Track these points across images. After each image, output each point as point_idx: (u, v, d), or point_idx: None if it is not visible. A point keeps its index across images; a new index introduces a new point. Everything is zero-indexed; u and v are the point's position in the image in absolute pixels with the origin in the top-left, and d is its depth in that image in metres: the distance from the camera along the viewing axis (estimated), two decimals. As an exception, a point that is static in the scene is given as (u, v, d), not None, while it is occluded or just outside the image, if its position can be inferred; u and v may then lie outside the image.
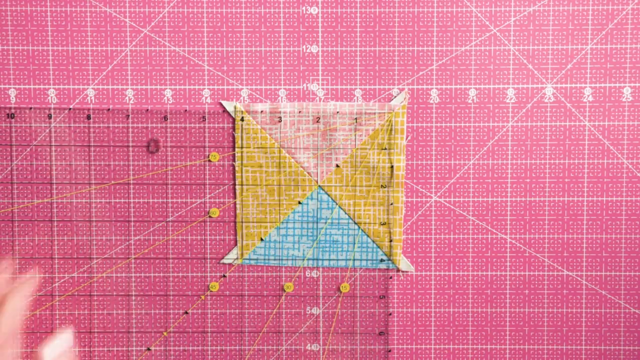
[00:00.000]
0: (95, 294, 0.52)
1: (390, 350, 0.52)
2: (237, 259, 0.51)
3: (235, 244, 0.51)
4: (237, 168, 0.51)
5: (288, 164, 0.50)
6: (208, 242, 0.51)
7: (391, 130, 0.50)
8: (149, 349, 0.52)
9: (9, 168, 0.50)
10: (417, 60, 0.50)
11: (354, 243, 0.51)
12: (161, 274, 0.52)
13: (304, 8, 0.50)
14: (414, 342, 0.52)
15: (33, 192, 0.51)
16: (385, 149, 0.50)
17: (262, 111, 0.50)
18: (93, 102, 0.50)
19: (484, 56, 0.50)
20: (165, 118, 0.50)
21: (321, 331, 0.52)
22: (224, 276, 0.52)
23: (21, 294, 0.40)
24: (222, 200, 0.51)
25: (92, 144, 0.51)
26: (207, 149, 0.51)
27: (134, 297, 0.52)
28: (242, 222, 0.51)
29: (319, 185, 0.51)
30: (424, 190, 0.51)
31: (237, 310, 0.52)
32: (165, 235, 0.51)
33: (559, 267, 0.51)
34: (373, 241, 0.51)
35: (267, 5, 0.50)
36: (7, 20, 0.50)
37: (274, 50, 0.50)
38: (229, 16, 0.50)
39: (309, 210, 0.51)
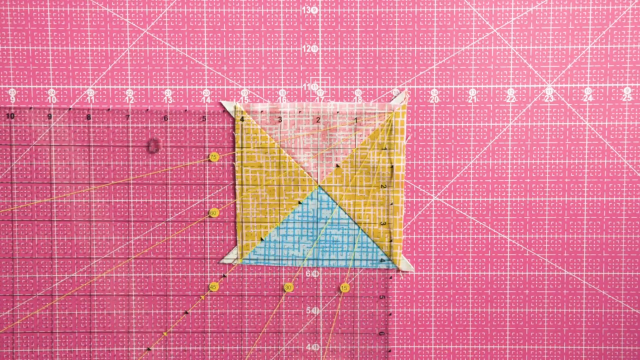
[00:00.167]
0: (95, 294, 0.52)
1: (390, 350, 0.52)
2: (237, 259, 0.51)
3: (235, 244, 0.51)
4: (237, 168, 0.51)
5: (288, 164, 0.50)
6: (208, 242, 0.51)
7: (391, 130, 0.50)
8: (149, 349, 0.52)
9: (9, 168, 0.50)
10: (417, 60, 0.50)
11: (354, 243, 0.51)
12: (161, 274, 0.52)
13: (304, 8, 0.50)
14: (414, 342, 0.52)
15: (33, 192, 0.51)
16: (385, 149, 0.50)
17: (262, 111, 0.50)
18: (93, 102, 0.50)
19: (484, 56, 0.50)
20: (165, 118, 0.50)
21: (321, 331, 0.52)
22: (224, 276, 0.52)
23: None
24: (222, 200, 0.51)
25: (92, 144, 0.51)
26: (207, 149, 0.51)
27: (134, 297, 0.52)
28: (242, 222, 0.51)
29: (319, 185, 0.51)
30: (424, 190, 0.51)
31: (237, 310, 0.52)
32: (165, 235, 0.51)
33: (559, 267, 0.51)
34: (373, 241, 0.51)
35: (267, 5, 0.50)
36: (7, 20, 0.50)
37: (274, 50, 0.50)
38: (229, 16, 0.50)
39: (309, 210, 0.51)
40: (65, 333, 0.52)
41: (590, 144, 0.51)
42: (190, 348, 0.52)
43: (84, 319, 0.52)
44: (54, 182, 0.51)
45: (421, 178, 0.51)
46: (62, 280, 0.51)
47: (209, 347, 0.52)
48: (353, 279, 0.52)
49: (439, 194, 0.51)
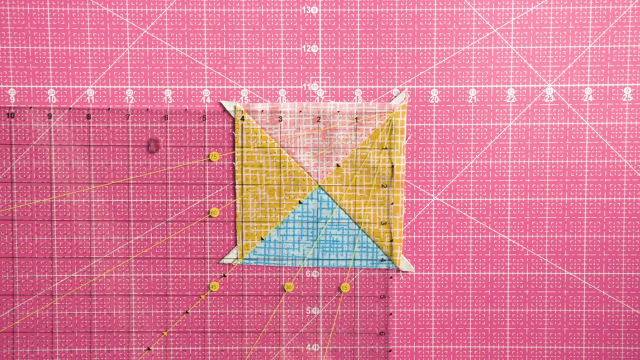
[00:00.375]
0: (95, 294, 0.52)
1: (390, 350, 0.52)
2: (237, 258, 0.51)
3: (235, 244, 0.51)
4: (237, 168, 0.51)
5: (288, 164, 0.50)
6: (208, 242, 0.51)
7: (391, 130, 0.50)
8: (149, 349, 0.52)
9: (9, 168, 0.50)
10: (417, 60, 0.50)
11: (354, 243, 0.51)
12: (161, 274, 0.52)
13: (304, 8, 0.50)
14: (414, 342, 0.52)
15: (33, 192, 0.51)
16: (386, 148, 0.50)
17: (262, 111, 0.50)
18: (93, 101, 0.50)
19: (484, 56, 0.50)
20: (165, 118, 0.50)
21: (321, 331, 0.52)
22: (224, 276, 0.52)
23: None
24: (222, 200, 0.51)
25: (92, 143, 0.51)
26: (207, 148, 0.51)
27: (134, 297, 0.52)
28: (242, 222, 0.51)
29: (319, 185, 0.51)
30: (424, 190, 0.51)
31: (237, 310, 0.52)
32: (165, 235, 0.51)
33: (560, 267, 0.51)
34: (373, 241, 0.51)
35: (267, 5, 0.50)
36: (6, 20, 0.50)
37: (274, 50, 0.50)
38: (229, 16, 0.50)
39: (309, 210, 0.51)
40: (65, 333, 0.52)
41: (590, 144, 0.51)
42: (190, 348, 0.52)
43: (84, 319, 0.52)
44: (54, 182, 0.51)
45: (421, 178, 0.51)
46: (62, 280, 0.51)
47: (209, 347, 0.52)
48: (353, 279, 0.52)
49: (439, 194, 0.51)
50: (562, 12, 0.50)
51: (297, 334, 0.52)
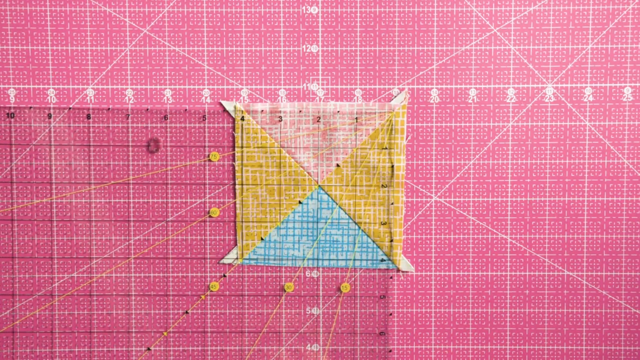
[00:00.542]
0: (95, 294, 0.52)
1: (390, 351, 0.52)
2: (237, 259, 0.51)
3: (235, 244, 0.51)
4: (237, 168, 0.51)
5: (288, 164, 0.50)
6: (208, 242, 0.51)
7: (391, 130, 0.50)
8: (149, 349, 0.52)
9: (9, 168, 0.50)
10: (417, 60, 0.50)
11: (354, 243, 0.51)
12: (161, 274, 0.52)
13: (304, 8, 0.50)
14: (414, 342, 0.52)
15: (33, 192, 0.51)
16: (386, 148, 0.50)
17: (262, 111, 0.50)
18: (93, 101, 0.50)
19: (484, 56, 0.50)
20: (165, 118, 0.50)
21: (321, 331, 0.52)
22: (224, 276, 0.52)
23: None
24: (222, 200, 0.51)
25: (91, 143, 0.50)
26: (207, 148, 0.51)
27: (133, 297, 0.52)
28: (242, 222, 0.51)
29: (319, 185, 0.51)
30: (424, 190, 0.51)
31: (237, 311, 0.52)
32: (165, 235, 0.51)
33: (560, 267, 0.51)
34: (373, 241, 0.51)
35: (267, 4, 0.50)
36: (6, 20, 0.50)
37: (274, 50, 0.50)
38: (229, 16, 0.50)
39: (309, 210, 0.51)
40: (65, 333, 0.52)
41: (590, 144, 0.51)
42: (190, 348, 0.52)
43: (84, 319, 0.52)
44: (54, 182, 0.51)
45: (421, 178, 0.51)
46: (62, 280, 0.51)
47: (209, 347, 0.52)
48: (353, 279, 0.52)
49: (439, 194, 0.51)
50: (562, 12, 0.50)
51: (297, 334, 0.52)
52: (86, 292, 0.52)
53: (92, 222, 0.51)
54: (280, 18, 0.50)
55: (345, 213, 0.51)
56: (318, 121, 0.50)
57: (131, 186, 0.51)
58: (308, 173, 0.51)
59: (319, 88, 0.50)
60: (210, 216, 0.51)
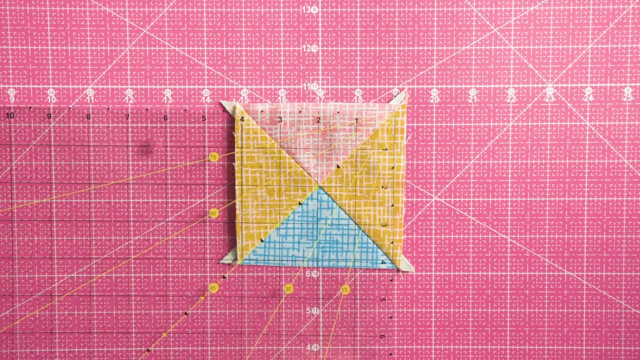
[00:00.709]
0: (94, 294, 0.52)
1: (391, 354, 0.52)
2: (236, 259, 0.51)
3: (235, 245, 0.51)
4: (237, 168, 0.50)
5: (288, 164, 0.50)
6: (207, 242, 0.51)
7: (391, 130, 0.50)
8: (148, 350, 0.52)
9: (9, 168, 0.50)
10: (417, 60, 0.50)
11: (354, 243, 0.51)
12: (161, 274, 0.52)
13: (304, 7, 0.50)
14: (414, 342, 0.52)
15: (32, 192, 0.51)
16: (386, 149, 0.50)
17: (262, 111, 0.50)
18: (92, 101, 0.50)
19: (485, 56, 0.50)
20: (165, 118, 0.50)
21: (321, 332, 0.52)
22: (224, 277, 0.52)
23: None
24: (221, 200, 0.51)
25: (91, 143, 0.50)
26: (206, 149, 0.51)
27: (133, 298, 0.52)
28: (241, 222, 0.51)
29: (319, 186, 0.51)
30: (424, 190, 0.51)
31: (237, 311, 0.52)
32: (165, 235, 0.51)
33: (560, 268, 0.51)
34: (373, 241, 0.51)
35: (267, 4, 0.50)
36: (6, 20, 0.50)
37: (274, 50, 0.50)
38: (229, 16, 0.50)
39: (309, 210, 0.51)
40: (65, 333, 0.52)
41: (590, 144, 0.50)
42: (190, 348, 0.52)
43: (84, 319, 0.52)
44: (54, 182, 0.50)
45: (421, 178, 0.51)
46: (61, 281, 0.51)
47: (209, 348, 0.52)
48: (353, 279, 0.52)
49: (439, 194, 0.51)
50: (562, 12, 0.50)
51: (297, 334, 0.52)
52: (86, 293, 0.52)
53: (91, 222, 0.51)
54: (280, 18, 0.50)
55: (345, 213, 0.51)
56: (318, 122, 0.50)
57: (131, 186, 0.51)
58: (308, 173, 0.50)
59: (319, 88, 0.50)
60: (209, 217, 0.51)
